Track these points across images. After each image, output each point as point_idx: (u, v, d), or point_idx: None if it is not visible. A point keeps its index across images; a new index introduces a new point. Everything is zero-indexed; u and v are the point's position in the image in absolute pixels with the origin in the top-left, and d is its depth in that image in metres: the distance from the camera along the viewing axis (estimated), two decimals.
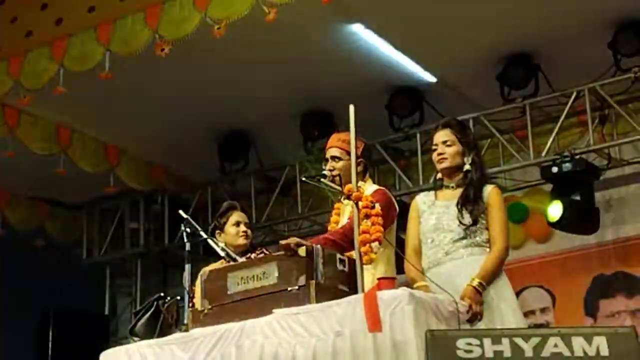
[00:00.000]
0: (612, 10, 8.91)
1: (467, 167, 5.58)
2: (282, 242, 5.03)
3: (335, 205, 5.95)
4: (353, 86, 9.37)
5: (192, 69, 9.35)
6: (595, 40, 9.11)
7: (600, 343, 4.06)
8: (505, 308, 5.29)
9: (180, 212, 6.07)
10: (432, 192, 5.72)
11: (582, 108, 9.55)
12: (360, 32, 9.14)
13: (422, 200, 5.70)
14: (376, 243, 5.30)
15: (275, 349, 4.77)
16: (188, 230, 5.93)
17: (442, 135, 5.64)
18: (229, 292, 5.10)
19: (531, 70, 9.66)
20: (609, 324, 8.62)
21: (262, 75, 9.63)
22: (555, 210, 9.48)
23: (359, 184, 5.30)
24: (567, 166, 9.45)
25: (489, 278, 5.28)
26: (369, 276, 5.15)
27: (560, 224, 9.60)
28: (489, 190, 5.52)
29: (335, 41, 9.17)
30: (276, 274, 4.96)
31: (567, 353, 4.06)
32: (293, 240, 5.02)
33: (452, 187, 5.59)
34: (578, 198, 9.47)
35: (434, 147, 5.66)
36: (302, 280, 4.86)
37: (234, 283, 5.10)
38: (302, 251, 4.92)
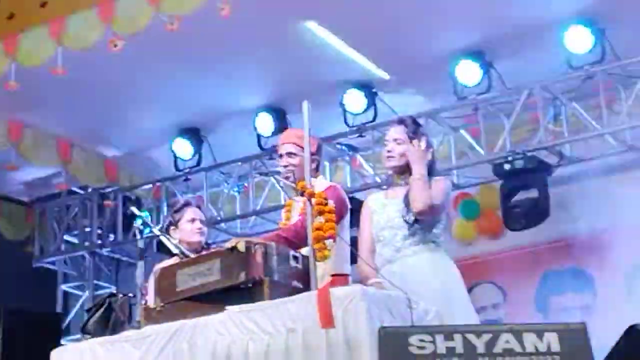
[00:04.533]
0: (563, 8, 8.98)
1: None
2: (227, 244, 5.04)
3: (287, 202, 5.95)
4: (307, 83, 9.37)
5: (143, 65, 9.30)
6: (548, 38, 9.17)
7: (552, 339, 4.09)
8: (457, 303, 5.32)
9: (133, 208, 6.05)
10: (383, 191, 5.74)
11: (534, 105, 9.62)
12: (315, 29, 9.14)
13: (373, 199, 5.71)
14: (330, 240, 5.31)
15: (228, 346, 4.76)
16: (141, 227, 5.90)
17: (394, 133, 5.64)
18: (178, 289, 5.10)
19: (484, 67, 9.71)
20: (560, 320, 8.69)
21: (216, 71, 9.60)
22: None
23: (311, 181, 5.31)
24: (519, 163, 9.52)
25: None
26: (322, 273, 5.16)
27: (510, 221, 9.68)
28: (435, 178, 5.54)
29: (289, 38, 9.17)
30: (218, 270, 4.96)
31: (518, 349, 4.08)
32: (239, 240, 5.03)
33: (402, 185, 5.60)
34: (530, 195, 9.55)
35: (384, 144, 5.67)
36: (242, 276, 4.86)
37: (183, 280, 5.09)
38: (241, 247, 4.92)
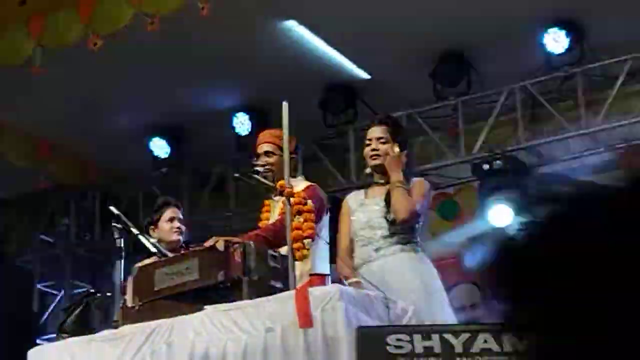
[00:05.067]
0: (542, 9, 9.01)
1: None
2: (206, 243, 5.03)
3: (266, 202, 5.94)
4: (287, 82, 9.35)
5: (122, 64, 9.27)
6: (527, 39, 9.20)
7: None
8: (436, 303, 5.33)
9: (112, 208, 6.02)
10: (362, 190, 5.74)
11: (513, 106, 9.65)
12: (295, 29, 9.14)
13: (352, 199, 5.71)
14: (308, 239, 5.31)
15: (206, 345, 4.75)
16: (119, 226, 5.88)
17: (377, 132, 5.64)
18: (156, 288, 5.09)
19: (464, 68, 9.74)
20: None
21: (195, 70, 9.58)
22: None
23: (290, 180, 5.31)
24: (497, 164, 9.55)
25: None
26: (301, 273, 5.15)
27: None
28: (414, 181, 5.55)
29: (269, 37, 9.16)
30: (197, 270, 4.95)
31: (496, 349, 4.09)
32: (218, 239, 5.02)
33: (383, 184, 5.60)
34: (508, 195, 9.57)
35: (367, 142, 5.66)
36: (221, 275, 4.85)
37: (161, 279, 5.08)
38: (220, 246, 4.91)
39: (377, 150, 5.59)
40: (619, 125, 9.31)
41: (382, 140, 5.59)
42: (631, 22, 8.86)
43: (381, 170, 5.60)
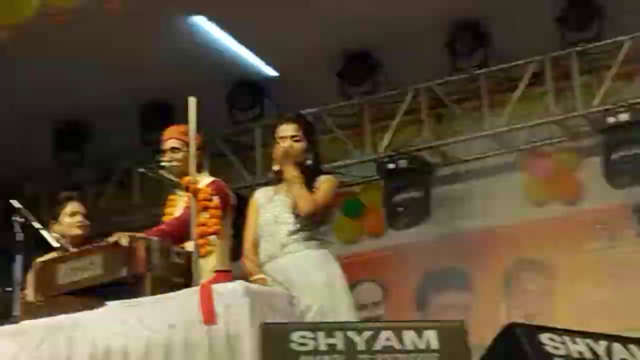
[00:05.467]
0: (449, 10, 9.11)
1: (308, 162, 5.62)
2: (110, 238, 4.99)
3: (170, 197, 5.92)
4: (194, 78, 9.28)
5: (28, 57, 9.13)
6: (433, 40, 9.30)
7: (431, 337, 4.14)
8: (340, 301, 5.36)
9: (13, 201, 5.93)
10: (271, 187, 5.74)
11: (418, 106, 9.75)
12: (202, 24, 9.10)
13: (260, 195, 5.71)
14: (213, 236, 5.30)
15: (107, 341, 4.71)
16: (20, 220, 5.80)
17: (290, 130, 5.64)
18: (58, 283, 5.03)
19: (370, 67, 9.80)
20: (439, 318, 8.80)
21: (101, 64, 9.48)
22: None
23: (196, 177, 5.29)
24: (402, 163, 9.64)
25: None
26: (205, 269, 5.14)
27: (393, 220, 9.80)
28: (321, 178, 5.58)
29: (176, 32, 9.11)
30: (100, 265, 4.91)
31: (398, 346, 4.13)
32: (121, 235, 4.98)
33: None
34: (412, 194, 9.68)
35: (280, 140, 5.65)
36: (124, 271, 4.82)
37: (63, 274, 5.03)
38: (123, 241, 4.88)
39: (291, 149, 5.61)
40: (522, 128, 9.47)
41: (296, 139, 5.60)
42: (534, 26, 9.01)
43: (295, 168, 5.60)
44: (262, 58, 9.82)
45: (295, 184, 5.44)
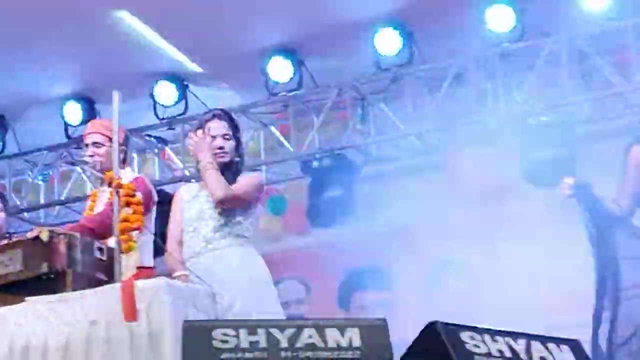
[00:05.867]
0: (373, 10, 9.15)
1: (236, 159, 5.64)
2: (30, 234, 4.94)
3: (92, 192, 5.88)
4: (118, 72, 9.24)
5: None
6: (359, 39, 9.33)
7: (353, 334, 4.17)
8: (264, 298, 5.37)
9: None
10: (197, 183, 5.73)
11: (344, 105, 9.77)
12: (127, 19, 9.03)
13: (186, 191, 5.71)
14: (136, 232, 5.27)
15: (26, 338, 4.65)
16: None
17: (221, 128, 5.64)
18: None
19: (296, 65, 9.80)
20: (362, 317, 8.84)
21: (24, 56, 9.36)
22: None
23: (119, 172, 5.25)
24: (327, 161, 9.67)
25: None
26: (127, 265, 5.10)
27: (316, 218, 9.82)
28: (245, 174, 5.60)
29: (102, 26, 9.02)
30: (20, 261, 4.85)
31: (320, 344, 4.14)
32: (42, 230, 4.93)
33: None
34: (336, 192, 9.70)
35: (210, 139, 5.63)
36: (44, 267, 4.77)
37: None
38: (44, 237, 4.83)
39: (224, 147, 5.61)
40: (445, 128, 9.54)
41: (226, 137, 5.62)
42: (457, 27, 9.09)
43: (225, 167, 5.60)
44: (187, 54, 9.77)
45: (209, 170, 5.44)
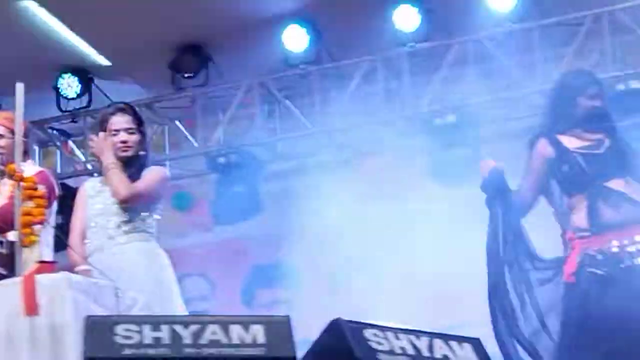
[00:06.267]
0: (281, 7, 9.17)
1: (141, 152, 5.60)
2: None
3: None
4: (22, 64, 9.09)
5: None
6: (267, 35, 9.33)
7: (257, 331, 4.16)
8: (168, 294, 5.34)
9: None
10: (100, 177, 5.68)
11: (252, 101, 9.76)
12: (33, 9, 8.91)
13: (90, 185, 5.66)
14: (38, 225, 5.19)
15: None
16: None
17: (125, 122, 5.59)
18: None
19: (203, 60, 9.76)
20: (266, 313, 8.85)
21: None
22: None
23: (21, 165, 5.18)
24: (233, 158, 9.64)
25: None
26: (29, 259, 5.03)
27: (222, 214, 9.80)
28: (149, 169, 5.56)
29: (6, 17, 8.88)
30: None
31: (225, 340, 4.13)
32: None
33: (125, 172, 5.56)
34: (242, 189, 9.69)
35: (113, 133, 5.57)
36: None
37: None
38: None
39: (127, 142, 5.56)
40: (355, 126, 9.57)
41: (130, 131, 5.57)
42: (366, 25, 9.13)
43: (129, 161, 5.55)
44: (93, 46, 9.66)
45: (112, 170, 5.41)
